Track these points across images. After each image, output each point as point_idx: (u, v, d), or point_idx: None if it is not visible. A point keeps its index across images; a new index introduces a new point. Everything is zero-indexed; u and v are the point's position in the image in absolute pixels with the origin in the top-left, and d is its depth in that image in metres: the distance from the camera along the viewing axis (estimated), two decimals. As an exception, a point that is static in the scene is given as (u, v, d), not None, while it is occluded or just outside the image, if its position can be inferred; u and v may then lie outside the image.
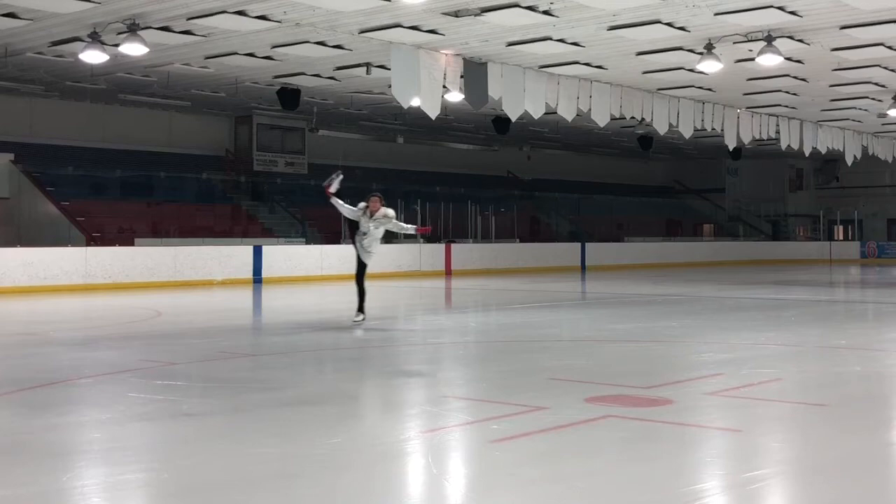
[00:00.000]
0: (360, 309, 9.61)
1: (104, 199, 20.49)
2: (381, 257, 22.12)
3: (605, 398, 5.49)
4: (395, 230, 9.90)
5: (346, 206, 9.77)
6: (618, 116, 18.85)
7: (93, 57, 13.92)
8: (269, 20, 13.18)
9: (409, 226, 9.97)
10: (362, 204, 9.68)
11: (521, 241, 25.55)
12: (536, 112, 16.87)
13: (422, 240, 22.57)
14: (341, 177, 9.83)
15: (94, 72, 16.67)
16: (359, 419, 4.94)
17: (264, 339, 9.09)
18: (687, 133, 20.24)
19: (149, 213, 20.84)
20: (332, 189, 9.73)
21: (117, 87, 19.02)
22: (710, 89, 18.76)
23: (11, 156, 19.66)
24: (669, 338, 8.73)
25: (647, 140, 27.22)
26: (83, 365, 6.90)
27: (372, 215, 9.59)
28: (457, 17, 13.06)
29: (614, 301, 14.11)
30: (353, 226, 9.77)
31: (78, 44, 14.23)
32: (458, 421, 4.91)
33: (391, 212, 9.72)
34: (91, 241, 17.66)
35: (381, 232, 9.70)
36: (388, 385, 6.22)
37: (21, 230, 19.10)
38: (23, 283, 15.38)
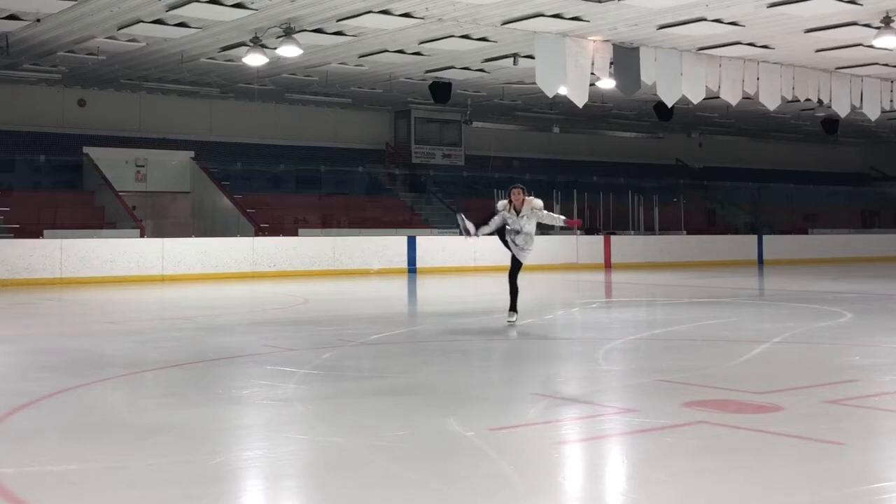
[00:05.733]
0: (514, 308, 8.88)
1: (274, 193, 21.89)
2: (536, 248, 22.04)
3: (707, 402, 5.12)
4: (546, 222, 8.98)
5: (492, 222, 8.79)
6: (791, 99, 17.54)
7: (254, 60, 14.89)
8: (413, 17, 13.46)
9: (558, 216, 9.04)
10: (502, 202, 8.82)
11: (689, 233, 24.37)
12: (696, 97, 16.08)
13: (579, 232, 22.17)
14: (461, 215, 9.08)
15: (259, 73, 17.83)
16: (436, 411, 4.92)
17: (392, 329, 9.26)
18: (873, 115, 18.48)
19: (317, 205, 22.02)
20: (472, 230, 8.90)
21: (283, 87, 20.22)
22: (896, 66, 16.99)
23: (192, 153, 21.51)
24: (817, 339, 7.99)
25: (831, 123, 25.02)
26: (210, 349, 7.39)
27: (518, 211, 8.69)
28: (600, 2, 12.68)
29: (776, 298, 13.13)
30: (503, 228, 8.83)
31: (243, 48, 15.27)
32: (533, 420, 4.76)
33: (538, 202, 8.75)
34: (258, 231, 18.93)
35: (534, 226, 8.75)
36: (484, 379, 6.16)
37: (200, 222, 20.85)
38: (196, 270, 16.78)
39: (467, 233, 8.88)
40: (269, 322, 9.74)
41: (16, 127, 20.17)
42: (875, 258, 24.89)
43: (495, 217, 8.72)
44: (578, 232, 22.20)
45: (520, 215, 8.61)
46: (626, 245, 22.30)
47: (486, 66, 17.27)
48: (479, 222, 8.85)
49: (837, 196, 31.06)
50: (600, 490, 3.59)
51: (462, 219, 8.89)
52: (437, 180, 24.12)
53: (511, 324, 8.71)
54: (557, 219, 8.95)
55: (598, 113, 23.80)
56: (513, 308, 8.83)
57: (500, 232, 8.77)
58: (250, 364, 6.64)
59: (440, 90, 18.74)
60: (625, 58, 15.02)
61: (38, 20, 13.74)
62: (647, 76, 15.20)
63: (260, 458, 3.99)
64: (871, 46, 14.69)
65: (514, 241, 8.70)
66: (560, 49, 14.23)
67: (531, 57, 15.56)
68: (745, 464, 3.85)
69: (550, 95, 14.79)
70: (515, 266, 8.82)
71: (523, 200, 8.64)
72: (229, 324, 9.60)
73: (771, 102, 16.77)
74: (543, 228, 22.45)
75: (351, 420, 4.73)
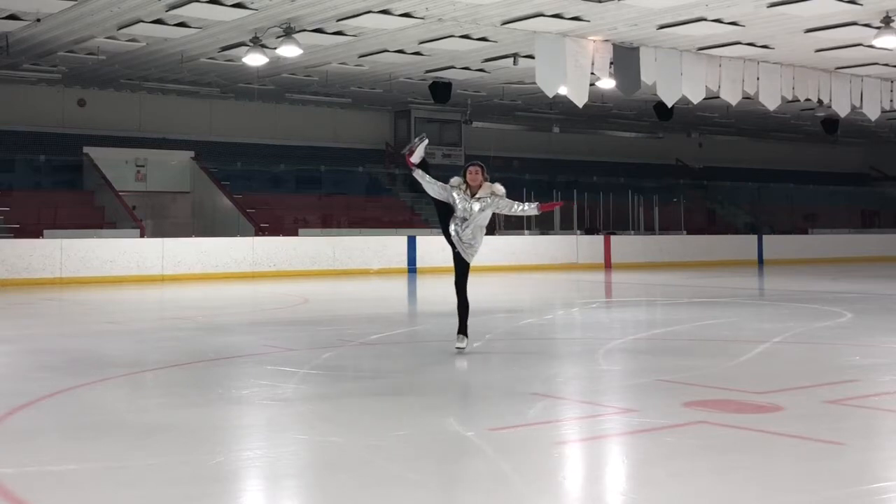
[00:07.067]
0: (463, 330, 6.95)
1: (274, 193, 21.91)
2: (536, 248, 22.10)
3: (706, 403, 5.12)
4: (507, 212, 6.99)
5: (434, 181, 6.84)
6: (791, 99, 17.56)
7: (254, 59, 14.89)
8: (413, 17, 13.46)
9: (527, 205, 6.97)
10: (456, 179, 6.82)
11: (689, 233, 24.38)
12: (696, 97, 16.11)
13: (579, 233, 22.17)
14: (426, 142, 6.95)
15: (260, 73, 17.83)
16: (436, 412, 4.93)
17: (392, 329, 9.25)
18: (873, 115, 18.51)
19: (317, 205, 22.04)
20: (415, 158, 6.86)
21: (283, 87, 20.22)
22: (897, 66, 16.99)
23: (192, 153, 21.52)
24: (817, 339, 7.99)
25: (831, 123, 25.01)
26: (210, 349, 7.39)
27: (473, 193, 6.75)
28: (600, 2, 12.68)
29: (776, 298, 13.12)
30: (445, 211, 6.87)
31: (243, 48, 15.27)
32: (533, 420, 4.76)
33: (500, 188, 6.80)
34: (258, 231, 18.94)
35: (487, 217, 6.84)
36: (484, 379, 6.16)
37: (200, 222, 20.85)
38: (196, 270, 16.78)
39: (410, 153, 6.88)
40: (269, 322, 9.74)
41: (16, 127, 20.17)
42: (875, 258, 24.89)
43: (441, 185, 6.83)
44: (579, 232, 22.19)
45: (474, 198, 6.73)
46: (626, 245, 22.30)
47: (486, 66, 17.27)
48: (425, 169, 6.89)
49: (837, 196, 31.06)
50: (600, 490, 3.59)
51: (421, 143, 6.89)
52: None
53: (460, 350, 6.86)
54: (528, 208, 6.96)
55: (598, 113, 23.81)
56: (462, 331, 6.93)
57: (444, 221, 6.87)
58: (250, 364, 6.64)
59: (440, 90, 18.74)
60: (625, 58, 15.03)
61: (38, 20, 13.74)
62: (647, 76, 15.21)
63: (260, 458, 3.99)
64: (871, 46, 14.70)
65: (458, 234, 6.77)
66: (560, 49, 14.24)
67: (531, 57, 15.57)
68: (745, 464, 3.85)
69: (550, 95, 14.80)
70: (461, 269, 6.90)
71: (481, 182, 6.73)
72: (229, 324, 9.60)
73: (771, 102, 16.78)
74: (543, 228, 22.77)
75: (351, 420, 4.73)
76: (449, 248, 6.98)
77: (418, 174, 6.84)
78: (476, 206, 6.71)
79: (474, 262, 7.06)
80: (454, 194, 6.74)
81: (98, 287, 15.15)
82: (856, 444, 4.20)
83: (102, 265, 16.10)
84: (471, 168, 6.81)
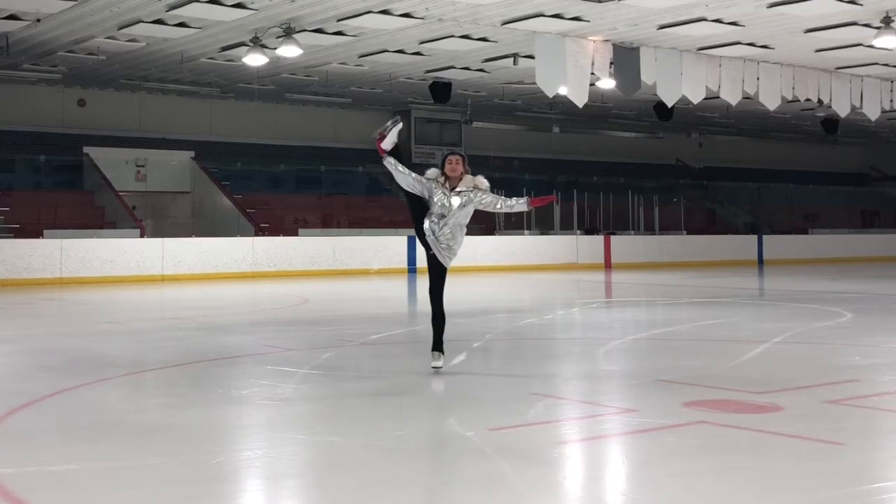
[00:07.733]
0: (438, 346, 6.08)
1: (274, 193, 21.92)
2: (536, 248, 22.11)
3: (706, 403, 5.12)
4: (492, 209, 6.07)
5: (408, 171, 5.95)
6: (791, 99, 17.57)
7: (254, 60, 14.90)
8: (413, 17, 13.47)
9: (515, 200, 6.09)
10: (433, 171, 5.98)
11: (689, 233, 24.38)
12: (696, 97, 16.11)
13: (580, 232, 22.16)
14: (400, 125, 6.06)
15: (259, 73, 17.83)
16: (435, 412, 4.93)
17: (392, 329, 9.25)
18: (873, 115, 18.53)
19: (317, 205, 22.05)
20: (386, 144, 5.97)
21: (283, 87, 20.23)
22: (897, 66, 17.00)
23: (192, 153, 21.53)
24: (817, 339, 7.99)
25: (831, 123, 25.01)
26: (210, 349, 7.39)
27: (452, 187, 5.88)
28: (600, 2, 12.69)
29: (776, 298, 13.13)
30: (420, 207, 5.97)
31: (243, 48, 15.28)
32: (533, 420, 4.76)
33: (484, 181, 5.96)
34: (258, 231, 18.94)
35: (468, 214, 5.95)
36: (484, 379, 6.16)
37: (200, 222, 20.85)
38: (196, 270, 16.78)
39: (380, 138, 5.99)
40: (269, 322, 9.74)
41: (16, 127, 20.16)
42: (875, 258, 24.89)
43: (416, 176, 5.95)
44: (579, 232, 22.20)
45: (454, 192, 5.86)
46: (626, 245, 22.30)
47: (486, 66, 17.28)
48: (397, 157, 6.02)
49: (837, 196, 31.07)
50: (600, 490, 3.59)
51: (395, 127, 6.04)
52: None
53: (437, 370, 6.01)
54: (516, 203, 6.07)
55: (598, 113, 23.81)
56: (437, 346, 6.07)
57: (417, 217, 5.98)
58: (250, 364, 6.64)
59: (440, 90, 18.75)
60: (625, 58, 15.03)
61: (38, 20, 13.74)
62: (647, 76, 15.22)
63: (260, 458, 3.99)
64: (871, 46, 14.71)
65: (434, 234, 5.87)
66: (560, 49, 14.24)
67: (531, 57, 15.56)
68: (745, 464, 3.85)
69: (550, 95, 14.81)
70: (436, 274, 6.07)
71: (462, 174, 5.88)
72: (229, 324, 9.61)
73: (771, 102, 16.79)
74: (543, 228, 22.77)
75: (351, 420, 4.73)
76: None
77: (389, 163, 5.95)
78: (456, 202, 5.81)
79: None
80: (431, 187, 5.87)
81: (98, 287, 15.15)
82: (856, 444, 4.20)
83: (102, 265, 16.10)
84: (450, 158, 5.93)
